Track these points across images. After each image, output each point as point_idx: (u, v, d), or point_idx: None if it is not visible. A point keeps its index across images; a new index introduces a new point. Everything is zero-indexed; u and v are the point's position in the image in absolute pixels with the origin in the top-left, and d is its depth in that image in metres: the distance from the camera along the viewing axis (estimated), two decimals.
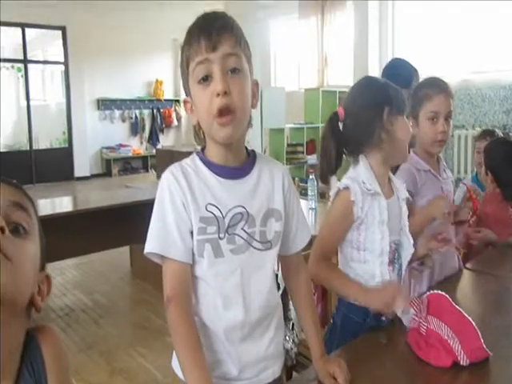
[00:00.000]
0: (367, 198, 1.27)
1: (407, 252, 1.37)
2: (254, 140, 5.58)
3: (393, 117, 1.30)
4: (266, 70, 8.98)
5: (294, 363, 1.56)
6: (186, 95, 1.04)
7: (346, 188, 1.28)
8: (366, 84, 1.39)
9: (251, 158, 1.08)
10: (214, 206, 1.00)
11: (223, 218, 1.00)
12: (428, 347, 1.14)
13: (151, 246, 0.99)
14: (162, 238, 0.98)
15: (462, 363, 1.09)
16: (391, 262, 1.33)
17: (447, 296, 1.20)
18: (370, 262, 1.30)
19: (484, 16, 6.04)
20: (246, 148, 1.08)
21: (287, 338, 1.18)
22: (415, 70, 2.48)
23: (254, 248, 1.03)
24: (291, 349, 1.45)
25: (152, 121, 11.19)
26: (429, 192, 1.68)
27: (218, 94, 0.94)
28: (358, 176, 1.29)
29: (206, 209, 0.99)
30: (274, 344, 1.10)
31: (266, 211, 1.05)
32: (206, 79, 0.96)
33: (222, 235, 1.00)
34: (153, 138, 11.11)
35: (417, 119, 1.71)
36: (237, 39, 0.98)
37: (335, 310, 1.42)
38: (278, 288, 1.20)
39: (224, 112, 0.94)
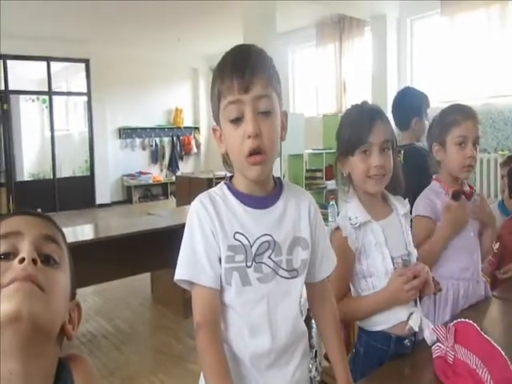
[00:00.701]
0: (359, 229, 1.34)
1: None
2: (274, 165, 5.60)
3: (344, 161, 1.38)
4: (285, 97, 8.94)
5: None
6: (216, 123, 1.06)
7: (338, 228, 1.36)
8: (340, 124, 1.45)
9: (278, 186, 1.09)
10: (241, 234, 1.01)
11: (250, 246, 1.01)
12: (456, 376, 1.12)
13: (181, 272, 1.01)
14: (192, 264, 1.00)
15: None
16: None
17: (474, 325, 1.18)
18: (379, 286, 1.33)
19: (504, 39, 6.03)
20: (273, 176, 1.09)
21: (310, 365, 1.16)
22: (426, 98, 2.52)
23: (281, 276, 1.04)
24: (314, 377, 1.43)
25: (172, 148, 11.37)
26: None
27: (249, 136, 0.96)
28: (346, 213, 1.36)
29: (234, 237, 1.01)
30: (299, 371, 1.09)
31: (292, 240, 1.06)
32: (237, 119, 0.97)
33: (249, 263, 1.01)
34: (172, 165, 11.27)
35: (443, 145, 1.69)
36: (269, 79, 0.99)
37: (357, 338, 1.42)
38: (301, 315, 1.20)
39: (255, 153, 0.97)
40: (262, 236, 1.02)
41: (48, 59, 9.24)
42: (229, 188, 1.06)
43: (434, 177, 1.79)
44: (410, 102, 2.50)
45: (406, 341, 1.32)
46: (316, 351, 1.19)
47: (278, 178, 1.12)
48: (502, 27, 6.07)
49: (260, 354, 1.03)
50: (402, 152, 2.27)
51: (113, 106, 10.06)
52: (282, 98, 1.05)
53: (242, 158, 0.98)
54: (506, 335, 1.35)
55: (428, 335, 1.28)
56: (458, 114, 1.67)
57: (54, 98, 9.68)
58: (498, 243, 2.20)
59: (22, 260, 0.74)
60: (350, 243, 1.33)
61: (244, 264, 1.00)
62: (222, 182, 1.09)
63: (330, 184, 6.18)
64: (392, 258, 1.33)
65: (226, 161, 1.07)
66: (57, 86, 10.04)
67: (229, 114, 0.98)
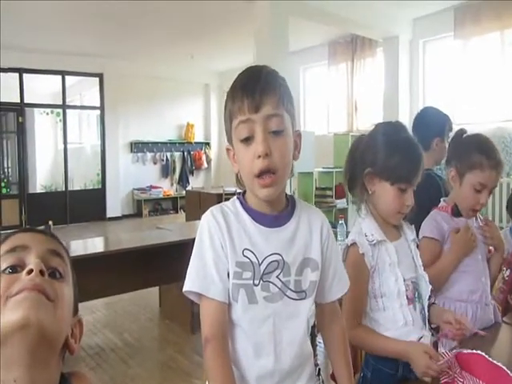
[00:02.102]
0: (375, 247, 1.33)
1: (426, 290, 1.38)
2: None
3: (374, 180, 1.35)
4: (296, 115, 9.09)
5: None
6: (229, 143, 1.06)
7: (354, 243, 1.34)
8: (368, 138, 1.42)
9: (290, 204, 1.08)
10: (250, 251, 1.01)
11: (259, 264, 1.00)
12: None
13: (190, 284, 1.01)
14: (201, 276, 1.00)
15: None
16: (411, 301, 1.34)
17: (483, 354, 1.18)
18: (390, 307, 1.32)
19: None
20: (286, 194, 1.09)
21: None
22: (448, 119, 2.44)
23: (288, 297, 1.02)
24: None
25: (182, 163, 11.46)
26: None
27: (259, 156, 0.96)
28: (362, 229, 1.36)
29: (243, 253, 1.00)
30: None
31: (302, 260, 1.04)
32: (248, 139, 0.98)
33: (256, 282, 1.00)
34: (183, 180, 11.34)
35: (461, 178, 1.68)
36: (280, 99, 0.99)
37: (364, 362, 1.40)
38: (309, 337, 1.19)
39: (265, 173, 0.97)
40: (271, 255, 1.01)
41: (63, 73, 9.41)
42: (241, 204, 1.06)
43: (442, 199, 1.79)
44: (432, 122, 2.41)
45: None
46: (319, 369, 1.19)
47: (291, 196, 1.11)
48: None
49: (264, 374, 1.01)
50: None
51: (125, 120, 10.19)
52: (295, 117, 1.05)
53: (252, 177, 0.98)
54: None
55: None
56: (487, 159, 1.62)
57: (68, 111, 9.82)
58: (510, 270, 2.18)
59: (30, 271, 0.77)
60: (367, 260, 1.32)
61: (251, 282, 1.00)
62: (235, 197, 1.09)
63: (340, 203, 6.18)
64: (403, 279, 1.33)
65: (239, 180, 1.07)
66: (71, 99, 10.20)
67: (240, 133, 0.98)
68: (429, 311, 1.39)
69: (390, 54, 7.33)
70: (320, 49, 8.72)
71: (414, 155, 1.34)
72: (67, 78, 9.58)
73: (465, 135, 1.75)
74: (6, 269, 0.79)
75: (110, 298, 4.10)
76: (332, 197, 6.29)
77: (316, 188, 6.40)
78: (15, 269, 0.79)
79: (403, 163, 1.31)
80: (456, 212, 1.70)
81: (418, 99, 7.18)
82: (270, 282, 1.01)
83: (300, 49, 8.54)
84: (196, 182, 11.53)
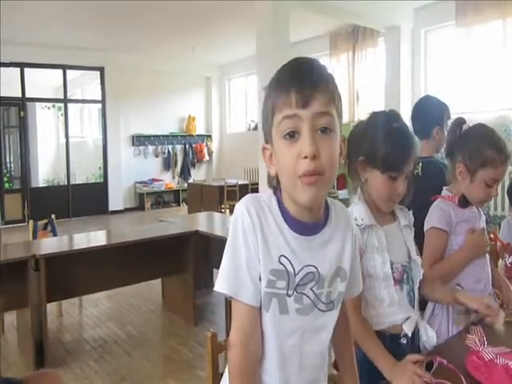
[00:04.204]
0: (364, 230, 1.36)
1: (417, 274, 1.42)
2: None
3: (366, 168, 1.38)
4: None
5: None
6: (266, 142, 0.95)
7: None
8: (363, 126, 1.44)
9: (325, 208, 0.99)
10: (287, 259, 0.92)
11: (295, 275, 0.93)
12: (490, 372, 1.17)
13: (221, 285, 0.93)
14: (232, 277, 0.93)
15: None
16: (398, 283, 1.38)
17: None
18: (377, 287, 1.37)
19: None
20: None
21: None
22: (447, 108, 2.44)
23: (319, 309, 0.97)
24: None
25: (184, 156, 11.47)
26: (465, 231, 1.69)
27: (306, 157, 0.85)
28: (353, 214, 1.37)
29: (279, 260, 0.92)
30: None
31: (334, 270, 0.98)
32: (292, 136, 0.87)
33: (290, 292, 0.93)
34: (185, 173, 11.36)
35: (472, 175, 1.66)
36: (332, 95, 0.88)
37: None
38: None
39: (311, 174, 0.86)
40: (307, 266, 0.94)
41: (64, 67, 9.39)
42: (279, 204, 0.95)
43: (445, 188, 1.78)
44: (431, 111, 2.40)
45: (402, 339, 1.36)
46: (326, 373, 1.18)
47: (326, 199, 1.00)
48: None
49: None
50: (421, 164, 2.20)
51: (126, 113, 10.19)
52: (342, 119, 0.93)
53: (294, 178, 0.87)
54: None
55: (426, 339, 1.34)
56: (499, 154, 1.62)
57: (69, 105, 9.82)
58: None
59: None
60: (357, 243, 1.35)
61: (285, 292, 0.93)
62: (271, 193, 0.98)
63: (342, 193, 6.18)
64: (392, 263, 1.37)
65: (272, 182, 0.97)
66: (72, 93, 10.20)
67: (283, 128, 0.87)
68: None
69: (391, 44, 7.29)
70: (321, 40, 8.68)
71: (405, 144, 1.35)
72: (68, 71, 9.57)
73: (465, 125, 1.73)
74: None
75: (113, 290, 4.12)
76: (334, 187, 6.29)
77: None
78: None
79: (393, 152, 1.32)
80: (464, 203, 1.69)
81: (420, 88, 7.15)
82: (303, 293, 0.94)
83: (301, 40, 8.50)
84: (198, 175, 11.54)
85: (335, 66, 8.57)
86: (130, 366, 3.13)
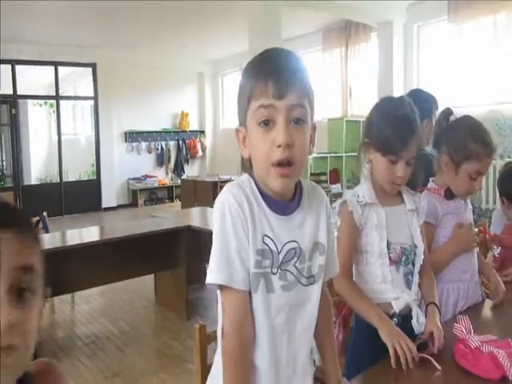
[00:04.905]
0: (365, 207, 1.42)
1: (418, 259, 1.44)
2: None
3: (370, 149, 1.45)
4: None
5: None
6: (240, 124, 1.00)
7: (345, 202, 1.45)
8: (372, 111, 1.51)
9: (298, 188, 1.03)
10: (270, 238, 0.96)
11: (278, 252, 0.96)
12: (476, 360, 1.19)
13: (213, 276, 0.94)
14: (225, 267, 0.94)
15: (510, 378, 1.15)
16: (394, 263, 1.42)
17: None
18: (372, 263, 1.42)
19: (511, 46, 6.03)
20: None
21: None
22: (434, 99, 2.48)
23: (302, 284, 1.00)
24: None
25: (177, 152, 11.43)
26: (451, 223, 1.70)
27: (279, 146, 0.90)
28: (356, 191, 1.47)
29: (263, 240, 0.95)
30: (310, 381, 1.08)
31: (312, 245, 1.02)
32: (267, 124, 0.92)
33: (274, 270, 0.96)
34: (178, 169, 11.32)
35: (456, 167, 1.67)
36: (305, 88, 0.94)
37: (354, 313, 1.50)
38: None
39: (283, 164, 0.91)
40: (289, 242, 0.97)
41: (56, 64, 9.33)
42: (257, 186, 0.99)
43: (431, 180, 1.79)
44: (420, 104, 2.44)
45: (394, 319, 1.38)
46: (311, 348, 1.19)
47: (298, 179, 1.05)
48: (508, 34, 6.09)
49: (278, 364, 0.99)
50: None
51: (119, 109, 10.13)
52: (314, 110, 0.99)
53: (267, 165, 0.92)
54: (499, 333, 1.36)
55: (415, 323, 1.35)
56: (483, 147, 1.63)
57: (61, 102, 9.75)
58: (500, 247, 2.21)
59: None
60: (356, 218, 1.41)
61: (269, 270, 0.95)
62: (248, 176, 1.01)
63: (335, 188, 6.20)
64: (389, 243, 1.40)
65: (245, 165, 1.01)
66: (64, 90, 10.12)
67: (258, 116, 0.92)
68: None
69: (384, 39, 7.30)
70: (314, 35, 8.66)
71: (405, 131, 1.38)
72: (60, 68, 9.50)
73: (452, 116, 1.74)
74: None
75: (106, 286, 4.11)
76: (327, 182, 6.31)
77: (311, 173, 6.41)
78: None
79: (393, 137, 1.38)
80: (449, 195, 1.70)
81: (412, 83, 7.16)
82: (287, 270, 0.97)
83: (294, 36, 8.47)
84: (191, 171, 11.51)
85: (328, 61, 8.57)
86: (122, 362, 3.13)
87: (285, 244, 0.97)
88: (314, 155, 6.56)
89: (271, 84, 0.90)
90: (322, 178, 6.39)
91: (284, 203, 1.00)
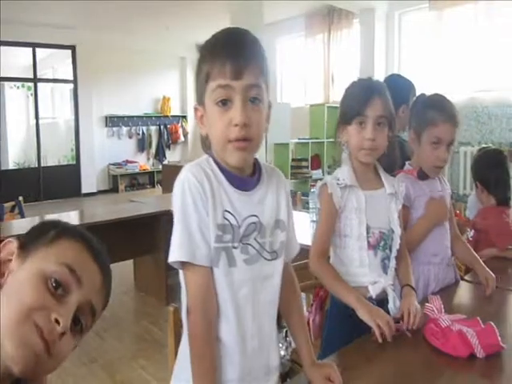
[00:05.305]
0: (345, 190, 1.41)
1: (395, 243, 1.44)
2: (259, 154, 5.61)
3: (342, 129, 1.46)
4: (272, 87, 8.97)
5: (287, 370, 1.59)
6: (198, 103, 1.02)
7: (325, 184, 1.44)
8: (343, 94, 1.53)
9: (257, 167, 1.07)
10: (230, 213, 0.98)
11: (238, 227, 0.99)
12: (445, 338, 1.22)
13: (176, 254, 0.96)
14: (187, 244, 0.96)
15: (478, 355, 1.17)
16: (372, 247, 1.41)
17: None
18: (350, 247, 1.42)
19: (492, 35, 6.10)
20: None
21: (280, 345, 1.18)
22: (413, 86, 2.48)
23: (264, 258, 1.03)
24: (284, 356, 1.46)
25: (159, 137, 11.31)
26: (423, 205, 1.71)
27: (236, 125, 0.93)
28: (336, 174, 1.46)
29: (223, 216, 0.98)
30: (276, 354, 1.10)
31: (274, 222, 1.05)
32: (224, 103, 0.94)
33: (235, 244, 0.99)
34: (159, 154, 11.22)
35: (419, 138, 1.70)
36: (262, 68, 0.96)
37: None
38: None
39: (240, 140, 0.94)
40: (249, 217, 1.00)
41: (34, 45, 9.10)
42: (216, 163, 1.02)
43: (407, 163, 1.80)
44: (397, 89, 2.41)
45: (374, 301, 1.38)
46: (287, 331, 1.21)
47: (256, 159, 1.08)
48: (488, 22, 6.14)
49: (244, 339, 1.01)
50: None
51: (99, 93, 9.95)
52: (269, 88, 1.02)
53: (224, 142, 0.95)
54: (472, 313, 1.38)
55: (392, 307, 1.36)
56: (438, 113, 1.65)
57: (40, 85, 9.54)
58: (473, 231, 2.25)
59: (57, 321, 0.72)
60: (335, 201, 1.40)
61: (231, 244, 0.98)
62: (207, 156, 1.04)
63: (316, 173, 6.22)
64: (368, 227, 1.40)
65: (205, 143, 1.04)
66: (42, 72, 9.91)
67: (216, 96, 0.94)
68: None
69: (366, 26, 7.31)
70: (297, 20, 8.60)
71: (364, 90, 1.41)
72: (38, 50, 9.27)
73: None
74: (51, 278, 0.74)
75: None
76: (308, 167, 6.32)
77: (292, 159, 6.42)
78: (58, 286, 0.74)
79: (354, 97, 1.42)
80: (421, 175, 1.71)
81: (394, 70, 7.18)
82: (248, 244, 1.00)
83: (276, 20, 8.42)
84: (173, 156, 11.42)
85: (311, 47, 8.54)
86: (100, 348, 3.11)
87: (245, 218, 1.00)
88: (296, 141, 6.56)
89: (229, 65, 0.92)
90: (304, 163, 6.40)
91: (244, 178, 1.03)
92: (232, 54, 0.93)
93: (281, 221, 1.07)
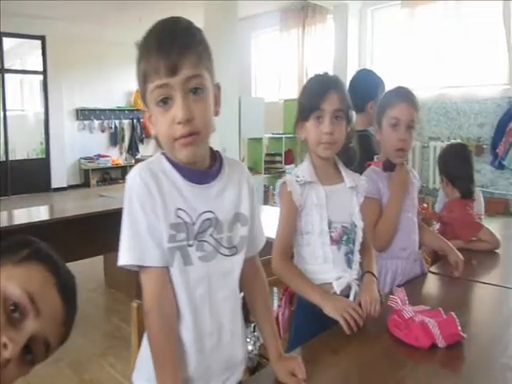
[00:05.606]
0: (305, 186, 1.40)
1: (358, 237, 1.44)
2: (233, 149, 5.58)
3: (301, 126, 1.45)
4: (247, 81, 9.04)
5: (255, 365, 1.58)
6: (144, 104, 0.99)
7: (284, 182, 1.43)
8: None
9: (218, 160, 1.04)
10: (183, 211, 0.96)
11: (193, 224, 0.97)
12: (408, 329, 1.23)
13: (124, 258, 0.95)
14: (135, 247, 0.94)
15: (439, 345, 1.20)
16: (335, 242, 1.40)
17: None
18: (312, 244, 1.40)
19: (461, 33, 6.25)
20: (212, 149, 1.04)
21: (248, 339, 1.17)
22: (382, 82, 2.49)
23: (222, 254, 1.01)
24: (252, 351, 1.45)
25: (132, 131, 11.13)
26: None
27: (180, 123, 0.90)
28: (296, 171, 1.45)
29: (176, 214, 0.96)
30: (241, 349, 1.09)
31: (233, 216, 1.03)
32: (166, 102, 0.91)
33: (191, 242, 0.96)
34: (132, 148, 11.05)
35: (380, 126, 1.74)
36: (199, 57, 0.92)
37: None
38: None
39: (186, 136, 0.92)
40: (204, 213, 0.98)
41: (0, 35, 8.83)
42: (168, 160, 0.99)
43: (376, 157, 1.82)
44: (366, 85, 2.46)
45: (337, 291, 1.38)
46: (254, 326, 1.19)
47: (217, 151, 1.06)
48: (457, 21, 6.28)
49: (202, 337, 1.00)
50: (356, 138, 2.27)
51: (70, 85, 9.74)
52: (214, 73, 0.98)
53: (170, 141, 0.93)
54: (437, 304, 1.40)
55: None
56: (394, 96, 1.72)
57: (7, 76, 9.27)
58: (439, 224, 2.29)
59: (5, 346, 0.70)
60: (295, 199, 1.39)
61: (186, 243, 0.96)
62: (159, 153, 1.02)
63: (289, 168, 6.22)
64: (330, 222, 1.39)
65: (158, 141, 1.00)
66: (10, 63, 9.63)
67: (155, 97, 0.92)
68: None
69: (339, 22, 7.37)
70: (271, 15, 8.61)
71: (319, 82, 1.43)
72: (5, 39, 9.01)
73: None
74: (11, 300, 0.72)
75: None
76: (281, 162, 6.33)
77: (266, 154, 6.41)
78: (16, 309, 0.72)
79: (308, 93, 1.42)
80: (387, 165, 1.73)
81: (366, 65, 7.27)
82: (204, 240, 0.98)
83: (251, 15, 8.39)
84: (146, 150, 11.24)
85: (285, 42, 8.54)
86: (66, 346, 3.00)
87: (200, 214, 0.98)
88: (269, 135, 6.55)
89: (162, 62, 0.89)
90: (277, 158, 6.40)
91: (201, 171, 1.00)
92: (163, 49, 0.89)
93: (241, 214, 1.04)
